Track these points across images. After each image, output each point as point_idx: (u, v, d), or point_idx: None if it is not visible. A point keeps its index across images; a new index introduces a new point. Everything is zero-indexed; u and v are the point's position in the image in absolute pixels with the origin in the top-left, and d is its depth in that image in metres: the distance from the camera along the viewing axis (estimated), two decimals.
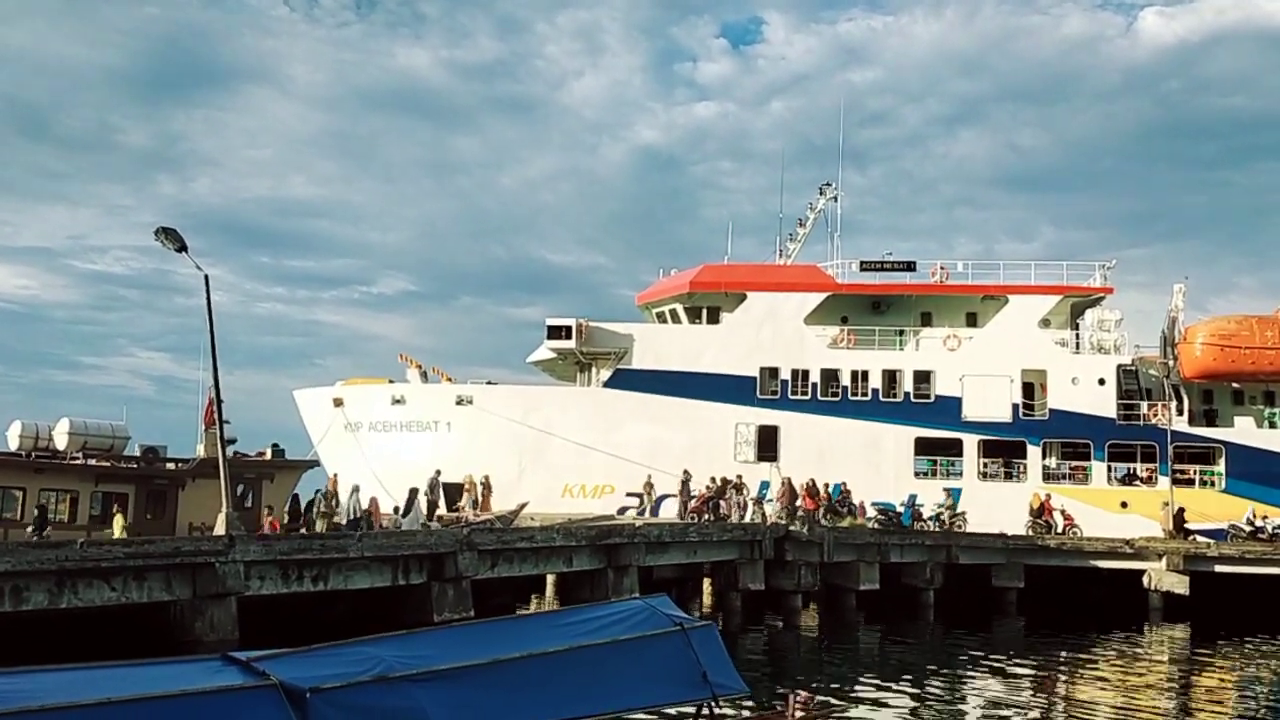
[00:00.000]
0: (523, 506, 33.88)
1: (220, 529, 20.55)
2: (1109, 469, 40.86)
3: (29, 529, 26.14)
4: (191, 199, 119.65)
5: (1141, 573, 33.72)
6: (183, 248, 21.27)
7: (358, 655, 8.07)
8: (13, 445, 31.36)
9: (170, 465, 31.60)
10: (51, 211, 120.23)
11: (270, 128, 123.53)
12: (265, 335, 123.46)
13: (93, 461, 30.25)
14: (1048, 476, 40.89)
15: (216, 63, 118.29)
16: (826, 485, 35.75)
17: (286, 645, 8.34)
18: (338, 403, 43.61)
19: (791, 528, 31.25)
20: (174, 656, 9.21)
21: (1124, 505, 39.81)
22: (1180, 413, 40.72)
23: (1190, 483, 40.03)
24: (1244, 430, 41.13)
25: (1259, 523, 36.33)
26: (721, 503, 35.14)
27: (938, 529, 35.74)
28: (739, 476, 37.18)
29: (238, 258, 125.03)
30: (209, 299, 21.52)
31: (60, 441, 30.67)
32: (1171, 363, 41.61)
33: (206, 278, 21.56)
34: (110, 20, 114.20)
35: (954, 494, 38.14)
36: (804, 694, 19.57)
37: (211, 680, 7.39)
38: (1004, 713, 18.88)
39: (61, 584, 16.98)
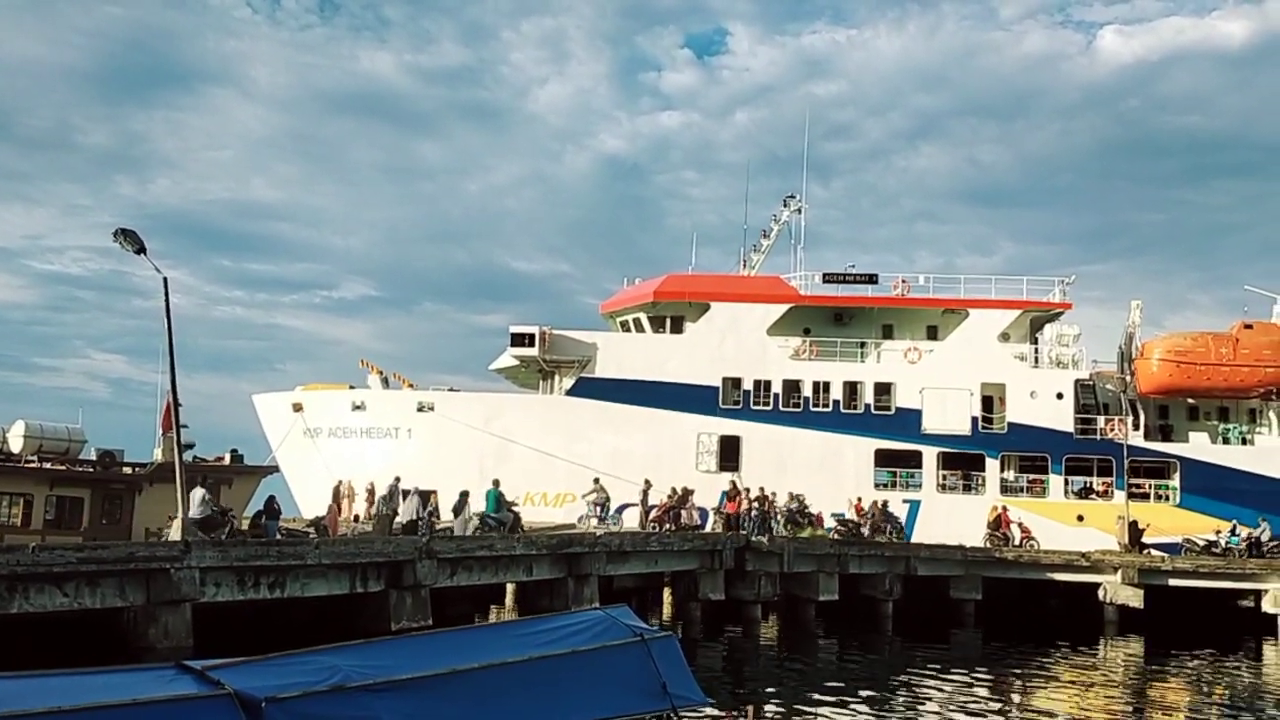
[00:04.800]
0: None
1: (175, 534, 20.32)
2: (1066, 482, 41.28)
3: None
4: (150, 200, 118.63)
5: (1097, 586, 34.04)
6: (141, 249, 21.04)
7: (314, 664, 8.02)
8: None
9: (127, 470, 31.20)
10: (8, 211, 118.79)
11: (231, 129, 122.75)
12: (224, 339, 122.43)
13: (48, 465, 29.82)
14: (1005, 489, 41.25)
15: (178, 63, 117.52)
16: (766, 494, 35.59)
17: (242, 654, 8.26)
18: (297, 408, 43.27)
19: (754, 538, 31.36)
20: (127, 664, 9.10)
21: (1080, 519, 40.22)
22: (1136, 428, 41.19)
23: (1145, 497, 40.51)
24: (1199, 445, 41.70)
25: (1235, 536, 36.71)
26: (683, 512, 35.13)
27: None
28: (676, 489, 36.56)
29: (197, 260, 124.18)
30: (167, 301, 21.30)
31: (15, 444, 30.23)
32: (1128, 378, 42.10)
33: (165, 280, 21.33)
34: (71, 20, 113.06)
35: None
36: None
37: (165, 689, 7.32)
38: None
39: (13, 589, 16.74)
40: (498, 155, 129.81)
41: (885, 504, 38.07)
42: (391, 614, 22.13)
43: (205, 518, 24.29)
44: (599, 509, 34.49)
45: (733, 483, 35.51)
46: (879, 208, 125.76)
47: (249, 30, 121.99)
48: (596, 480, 35.45)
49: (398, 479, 30.93)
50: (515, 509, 31.29)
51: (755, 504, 34.46)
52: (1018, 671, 25.43)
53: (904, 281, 44.22)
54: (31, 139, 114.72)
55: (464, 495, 30.29)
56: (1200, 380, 41.16)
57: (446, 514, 31.31)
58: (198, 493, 24.93)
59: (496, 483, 31.16)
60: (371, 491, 35.21)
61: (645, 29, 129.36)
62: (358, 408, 42.91)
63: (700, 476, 39.40)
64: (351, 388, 44.16)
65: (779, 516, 34.68)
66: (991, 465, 41.47)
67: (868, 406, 42.14)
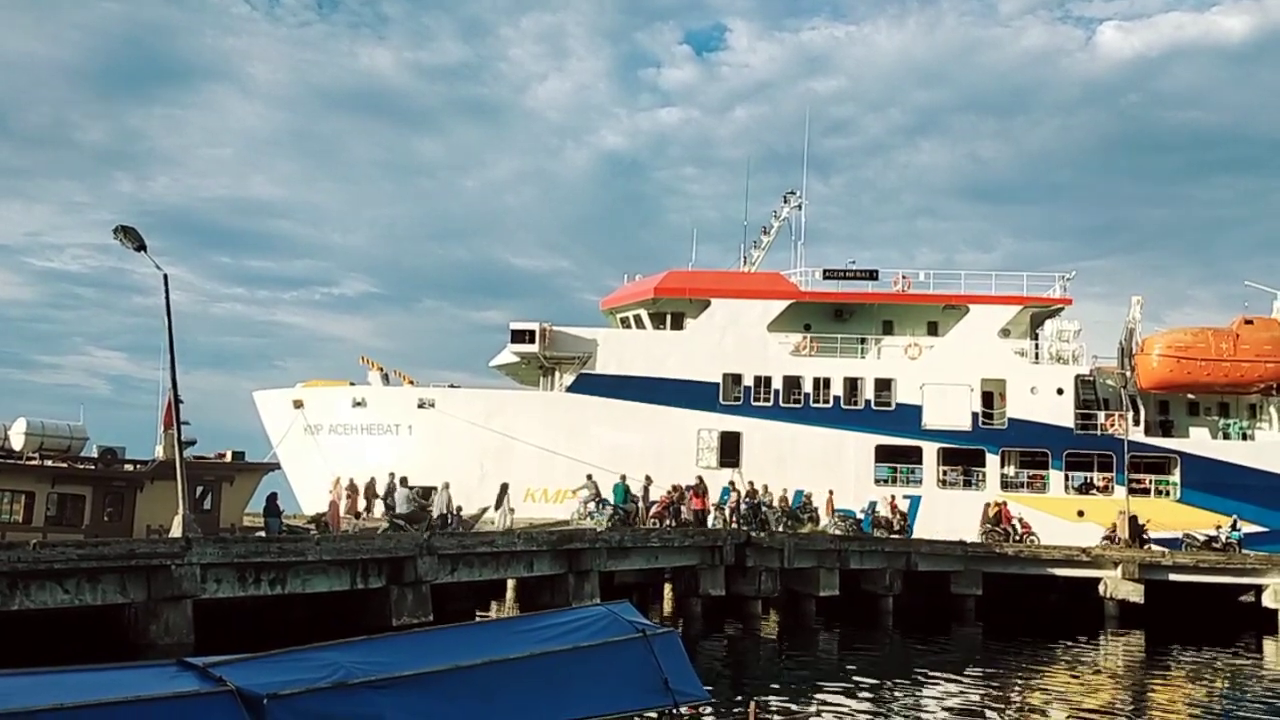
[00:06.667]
0: (484, 511, 33.75)
1: (176, 531, 20.33)
2: (1066, 478, 41.34)
3: None
4: (149, 197, 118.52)
5: (1098, 581, 34.06)
6: (141, 246, 21.06)
7: (316, 661, 8.01)
8: None
9: (128, 467, 31.15)
10: (7, 208, 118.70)
11: (230, 126, 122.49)
12: (224, 336, 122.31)
13: (49, 462, 29.77)
14: (1006, 485, 41.29)
15: (176, 60, 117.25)
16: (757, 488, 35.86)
17: (243, 650, 8.26)
18: (298, 404, 43.29)
19: (754, 534, 31.37)
20: (128, 661, 9.10)
21: (1080, 514, 40.26)
22: (1137, 423, 41.22)
23: (1146, 492, 40.52)
24: (1199, 441, 41.74)
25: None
26: (683, 508, 35.14)
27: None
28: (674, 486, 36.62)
29: (197, 257, 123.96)
30: (168, 298, 21.32)
31: (17, 442, 30.14)
32: (1129, 374, 42.12)
33: (165, 277, 21.35)
34: (69, 16, 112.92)
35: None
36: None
37: (167, 686, 7.31)
38: None
39: (14, 585, 16.75)
40: (497, 152, 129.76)
41: (1005, 504, 37.43)
42: (392, 610, 22.15)
43: (410, 512, 28.57)
44: (593, 504, 34.51)
45: (699, 479, 35.54)
46: (879, 204, 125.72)
47: (247, 27, 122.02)
48: (589, 476, 35.40)
49: (392, 474, 31.03)
50: (637, 501, 33.48)
51: (747, 499, 34.53)
52: (1018, 667, 25.43)
53: (904, 277, 44.34)
54: (29, 136, 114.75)
55: (504, 487, 31.48)
56: (1200, 376, 41.20)
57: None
58: (401, 491, 29.78)
59: (624, 477, 33.11)
60: (370, 487, 35.34)
61: (645, 25, 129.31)
62: (358, 404, 42.93)
63: (701, 473, 39.37)
64: (352, 384, 44.20)
65: (745, 511, 34.38)
66: (992, 461, 41.51)
67: (868, 402, 42.16)
